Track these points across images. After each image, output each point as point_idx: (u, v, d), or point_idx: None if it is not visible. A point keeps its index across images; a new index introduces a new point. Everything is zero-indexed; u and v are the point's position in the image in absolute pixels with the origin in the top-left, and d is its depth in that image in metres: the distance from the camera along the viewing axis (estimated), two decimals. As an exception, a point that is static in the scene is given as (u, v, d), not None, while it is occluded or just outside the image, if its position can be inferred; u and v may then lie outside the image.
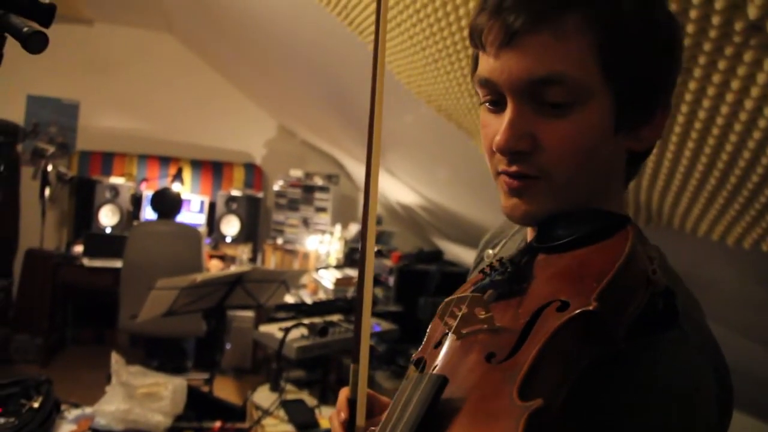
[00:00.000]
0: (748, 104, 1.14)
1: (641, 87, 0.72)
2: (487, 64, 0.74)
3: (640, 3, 0.70)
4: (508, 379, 0.56)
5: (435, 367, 0.67)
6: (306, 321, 3.14)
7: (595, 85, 0.70)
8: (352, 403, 0.83)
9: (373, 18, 2.04)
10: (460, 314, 0.68)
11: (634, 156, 0.78)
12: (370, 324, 0.81)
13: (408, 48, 2.03)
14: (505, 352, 0.60)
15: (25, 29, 0.82)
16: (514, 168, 0.73)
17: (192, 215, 5.70)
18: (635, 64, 0.70)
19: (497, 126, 0.73)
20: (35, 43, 0.83)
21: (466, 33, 1.69)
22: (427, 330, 0.77)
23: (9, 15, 0.83)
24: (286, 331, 2.93)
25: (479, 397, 0.58)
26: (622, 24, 0.69)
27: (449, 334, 0.69)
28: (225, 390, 4.59)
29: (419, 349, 0.75)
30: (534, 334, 0.60)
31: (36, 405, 2.05)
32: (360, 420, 0.81)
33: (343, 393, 0.86)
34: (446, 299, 0.73)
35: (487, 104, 0.77)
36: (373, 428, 0.80)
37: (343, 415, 0.84)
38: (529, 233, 0.85)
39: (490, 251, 1.03)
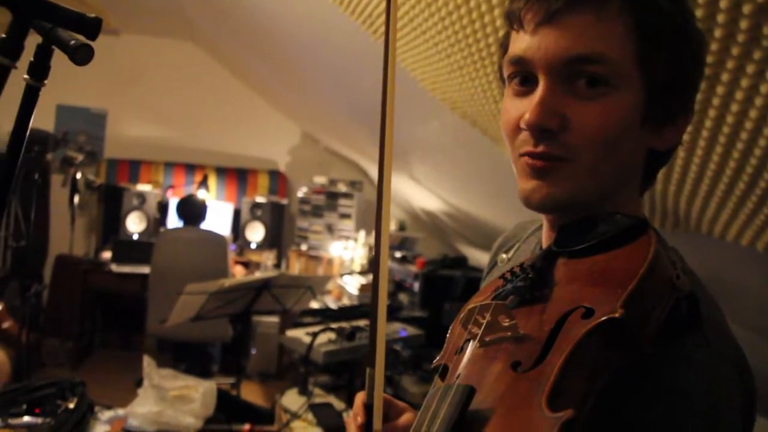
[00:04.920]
0: (777, 108, 1.15)
1: (671, 83, 0.73)
2: (522, 42, 0.74)
3: (677, 3, 0.73)
4: (536, 388, 0.55)
5: (458, 375, 0.66)
6: (333, 326, 3.17)
7: (629, 71, 0.71)
8: (368, 407, 0.82)
9: (397, 24, 2.06)
10: (484, 322, 0.67)
11: (654, 157, 0.78)
12: (386, 328, 0.81)
13: (433, 55, 2.05)
14: (531, 361, 0.59)
15: (72, 42, 0.86)
16: (540, 148, 0.72)
17: (217, 222, 5.76)
18: (668, 58, 0.72)
19: (522, 108, 0.73)
20: (82, 55, 0.86)
21: (491, 40, 1.71)
22: (447, 335, 0.76)
23: (57, 29, 0.87)
24: (314, 335, 2.96)
25: (508, 407, 0.57)
26: (660, 16, 0.71)
27: (471, 342, 0.69)
28: (251, 395, 4.61)
29: (440, 355, 0.75)
30: (559, 341, 0.59)
31: (71, 406, 2.10)
32: (377, 424, 0.81)
33: (360, 397, 0.86)
34: (468, 306, 0.72)
35: (515, 84, 0.76)
36: None
37: (360, 419, 0.84)
38: (545, 238, 0.84)
39: (504, 255, 1.02)
